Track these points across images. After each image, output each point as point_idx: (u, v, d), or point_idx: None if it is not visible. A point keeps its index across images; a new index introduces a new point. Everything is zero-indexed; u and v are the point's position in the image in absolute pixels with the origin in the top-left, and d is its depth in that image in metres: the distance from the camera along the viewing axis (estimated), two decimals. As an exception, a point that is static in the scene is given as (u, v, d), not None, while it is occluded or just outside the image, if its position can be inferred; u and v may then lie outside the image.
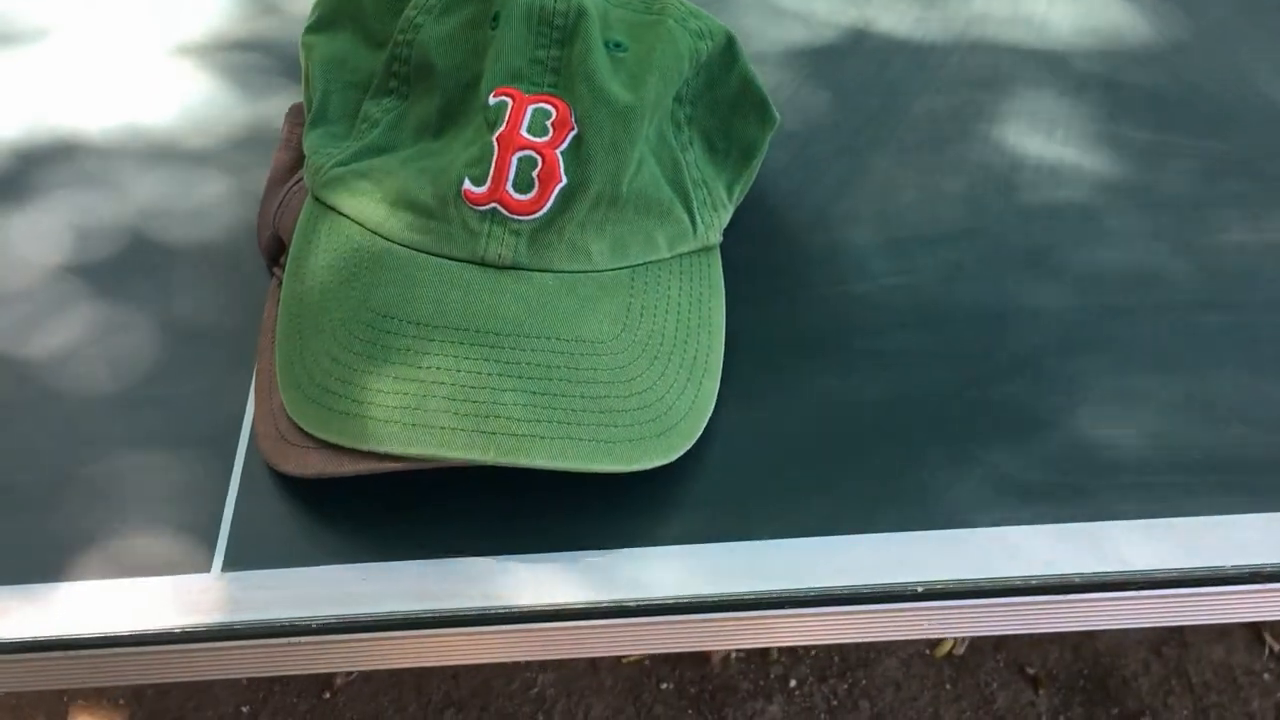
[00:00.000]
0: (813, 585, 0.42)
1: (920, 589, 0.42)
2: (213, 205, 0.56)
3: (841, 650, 1.23)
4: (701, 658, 1.22)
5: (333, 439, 0.42)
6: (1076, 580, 0.42)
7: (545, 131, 0.45)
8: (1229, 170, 0.57)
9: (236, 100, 0.63)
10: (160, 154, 0.60)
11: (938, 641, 1.24)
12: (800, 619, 0.42)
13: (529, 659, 0.43)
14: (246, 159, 0.59)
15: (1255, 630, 1.25)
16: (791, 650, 1.23)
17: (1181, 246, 0.53)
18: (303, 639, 0.41)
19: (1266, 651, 1.23)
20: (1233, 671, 1.21)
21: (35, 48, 0.66)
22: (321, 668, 0.43)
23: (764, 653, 1.23)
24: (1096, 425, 0.46)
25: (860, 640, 0.44)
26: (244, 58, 0.66)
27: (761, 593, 0.41)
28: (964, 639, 1.24)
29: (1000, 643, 1.23)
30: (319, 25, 0.53)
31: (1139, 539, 0.43)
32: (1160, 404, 0.47)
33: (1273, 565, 0.42)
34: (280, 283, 0.49)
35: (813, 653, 1.23)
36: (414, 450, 0.40)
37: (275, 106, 0.62)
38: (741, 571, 0.42)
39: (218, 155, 0.59)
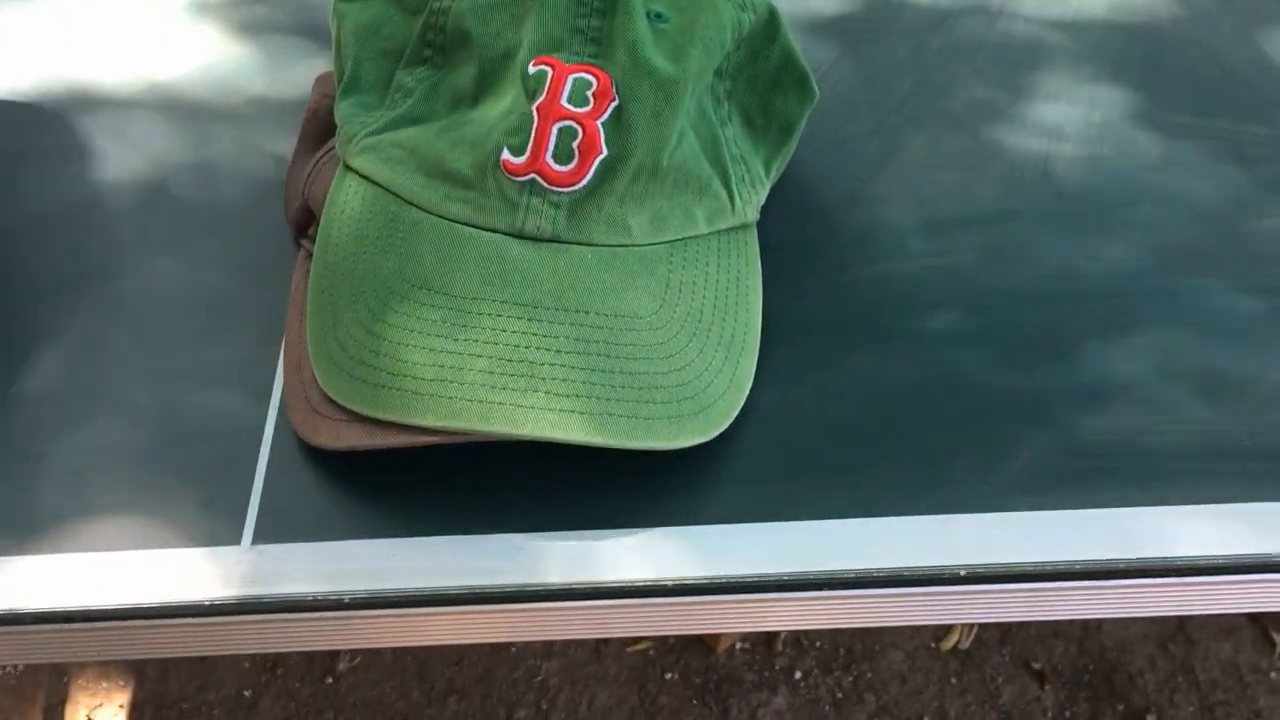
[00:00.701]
0: (851, 567, 0.41)
1: (963, 572, 0.41)
2: (240, 174, 0.55)
3: (847, 642, 1.22)
4: (706, 648, 1.22)
5: (368, 412, 0.41)
6: (1121, 566, 0.41)
7: (586, 102, 0.45)
8: (1269, 155, 0.56)
9: (263, 65, 0.62)
10: (186, 119, 0.58)
11: (943, 634, 1.23)
12: (837, 601, 0.41)
13: (562, 638, 0.42)
14: (274, 125, 0.58)
15: (1262, 628, 1.24)
16: (796, 641, 1.23)
17: (1222, 230, 0.53)
18: (330, 614, 0.40)
19: (1276, 651, 1.22)
20: (1239, 669, 1.21)
21: (51, 3, 0.65)
22: (348, 642, 0.42)
23: (769, 644, 1.22)
24: (1137, 411, 0.45)
25: (899, 624, 0.43)
26: (271, 19, 0.65)
27: (798, 574, 0.41)
28: (971, 631, 1.23)
29: (1006, 636, 1.23)
30: None
31: (1180, 525, 0.42)
32: (1201, 388, 0.46)
33: (1324, 553, 0.41)
34: (309, 254, 0.48)
35: (818, 644, 1.23)
36: (451, 424, 0.39)
37: (303, 73, 0.61)
38: (779, 552, 0.41)
39: (244, 121, 0.58)
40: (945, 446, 0.44)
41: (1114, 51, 0.63)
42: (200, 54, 0.63)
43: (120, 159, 0.56)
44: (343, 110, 0.49)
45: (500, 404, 0.40)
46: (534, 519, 0.42)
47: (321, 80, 0.54)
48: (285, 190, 0.51)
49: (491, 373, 0.41)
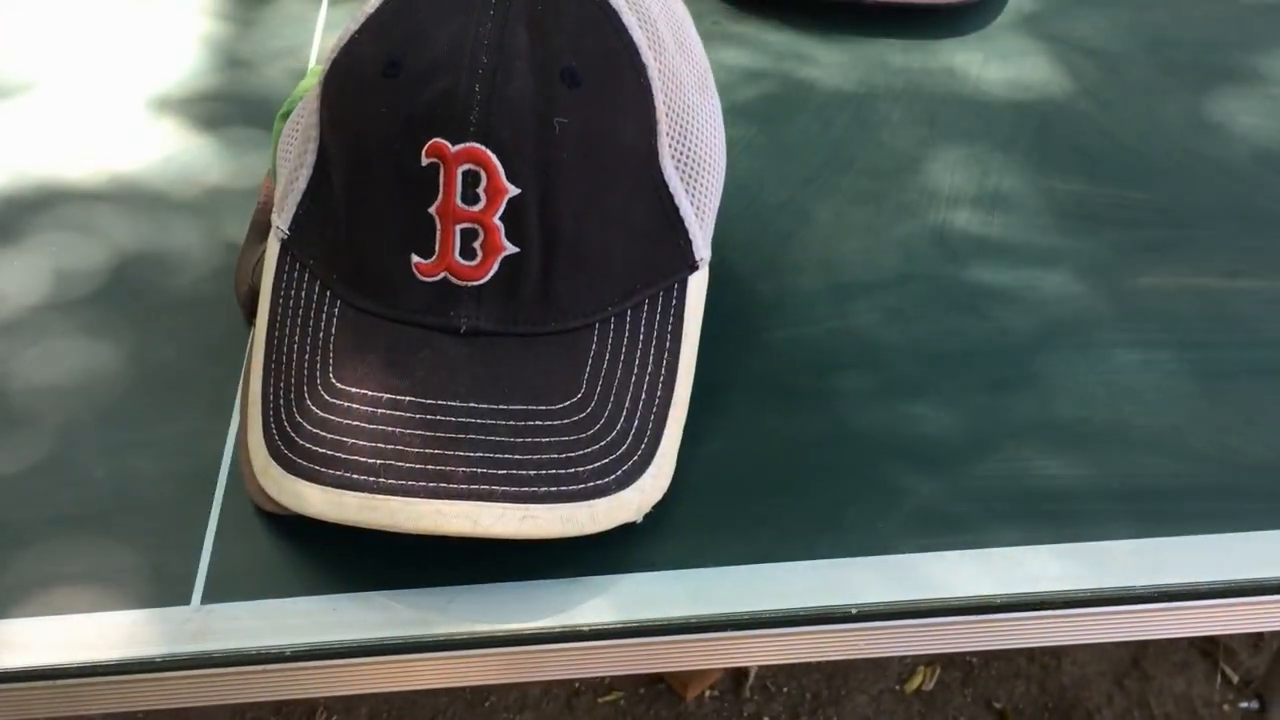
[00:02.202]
0: (752, 609, 0.45)
1: (855, 610, 0.45)
2: (195, 259, 0.60)
3: (814, 687, 1.25)
4: (676, 696, 1.24)
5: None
6: (997, 601, 0.45)
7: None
8: (1148, 219, 0.61)
9: (216, 153, 0.66)
10: (140, 204, 0.63)
11: (907, 677, 1.26)
12: (740, 641, 0.45)
13: (485, 683, 0.45)
14: (226, 210, 0.62)
15: (1214, 661, 1.27)
16: (764, 688, 1.25)
17: (1103, 290, 0.57)
18: (275, 666, 0.44)
19: (1219, 679, 1.25)
20: (1192, 702, 1.24)
21: (17, 100, 0.70)
22: (294, 693, 0.45)
23: (737, 691, 1.25)
24: (1017, 457, 0.49)
25: (799, 660, 0.46)
26: (228, 114, 0.69)
27: (704, 616, 0.44)
28: (933, 674, 1.26)
29: (968, 678, 1.25)
30: (284, 114, 0.56)
31: (1055, 561, 0.46)
32: (1076, 436, 0.50)
33: (1174, 586, 0.45)
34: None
35: (785, 690, 1.25)
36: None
37: (255, 161, 0.65)
38: (687, 598, 0.45)
39: (198, 206, 0.63)
40: (843, 497, 0.48)
41: (1007, 124, 0.68)
42: (157, 142, 0.67)
43: (81, 246, 0.60)
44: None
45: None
46: (463, 572, 0.45)
47: (271, 174, 0.58)
48: (236, 274, 0.55)
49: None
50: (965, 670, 1.27)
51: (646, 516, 0.46)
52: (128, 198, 0.63)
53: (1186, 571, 0.45)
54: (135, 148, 0.67)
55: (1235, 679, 1.26)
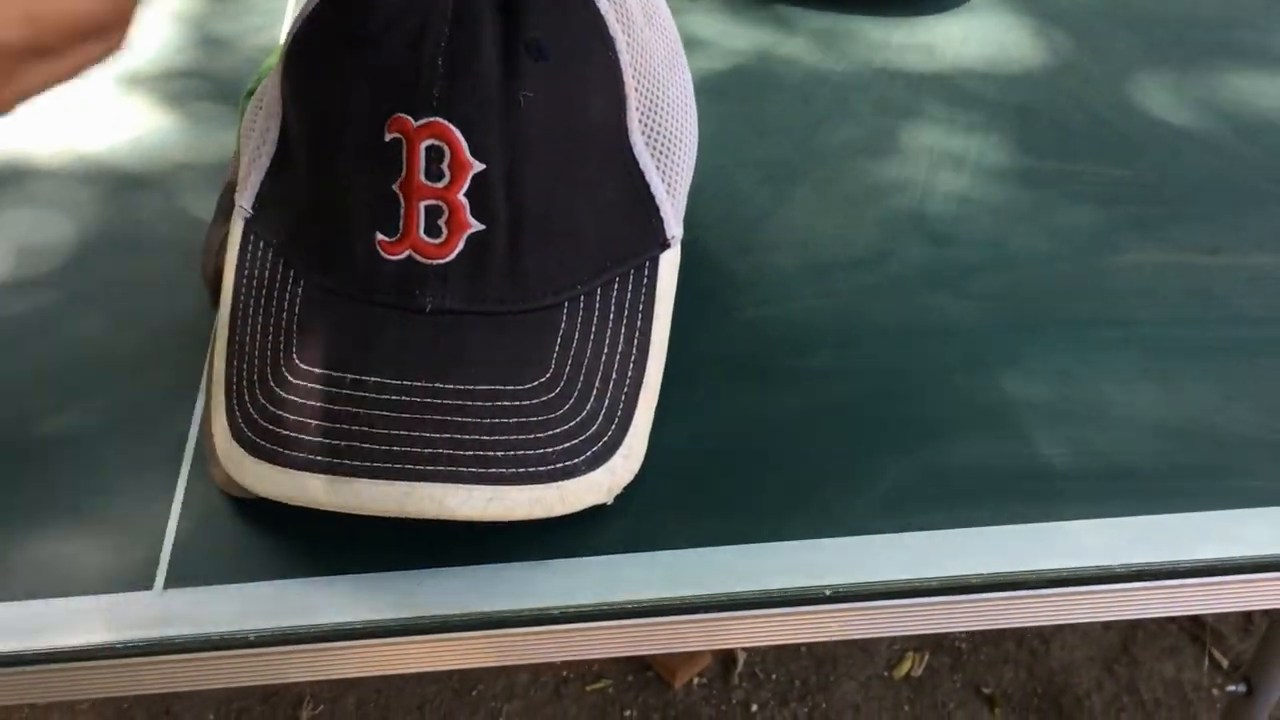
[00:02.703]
0: (723, 590, 0.44)
1: (828, 592, 0.44)
2: (163, 237, 0.59)
3: (802, 674, 1.25)
4: (664, 684, 1.24)
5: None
6: (974, 581, 0.44)
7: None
8: (1129, 195, 0.60)
9: (186, 130, 0.65)
10: (108, 182, 0.62)
11: (896, 663, 1.26)
12: (714, 622, 0.44)
13: (454, 667, 0.45)
14: (194, 187, 0.61)
15: (1203, 646, 1.27)
16: (752, 675, 1.25)
17: (1083, 268, 0.56)
18: (240, 651, 0.43)
19: (1207, 663, 1.25)
20: (1182, 687, 1.24)
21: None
22: (261, 679, 0.45)
23: (725, 678, 1.24)
24: (996, 436, 0.49)
25: (774, 642, 0.46)
26: (194, 88, 0.69)
27: (677, 598, 0.44)
28: (922, 660, 1.26)
29: (957, 663, 1.25)
30: (250, 92, 0.55)
31: (1034, 541, 0.45)
32: (1060, 416, 0.50)
33: (1152, 565, 0.44)
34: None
35: (774, 676, 1.25)
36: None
37: (224, 139, 0.65)
38: (659, 581, 0.44)
39: (166, 184, 0.62)
40: (816, 477, 0.47)
41: (988, 102, 0.67)
42: (129, 124, 0.66)
43: (43, 218, 0.59)
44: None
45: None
46: (432, 556, 0.45)
47: (237, 154, 0.57)
48: (203, 254, 0.55)
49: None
50: (954, 656, 1.26)
51: (618, 498, 0.45)
52: (94, 175, 0.63)
53: (1166, 550, 0.45)
54: (103, 125, 0.66)
55: (1224, 663, 1.25)
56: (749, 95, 0.68)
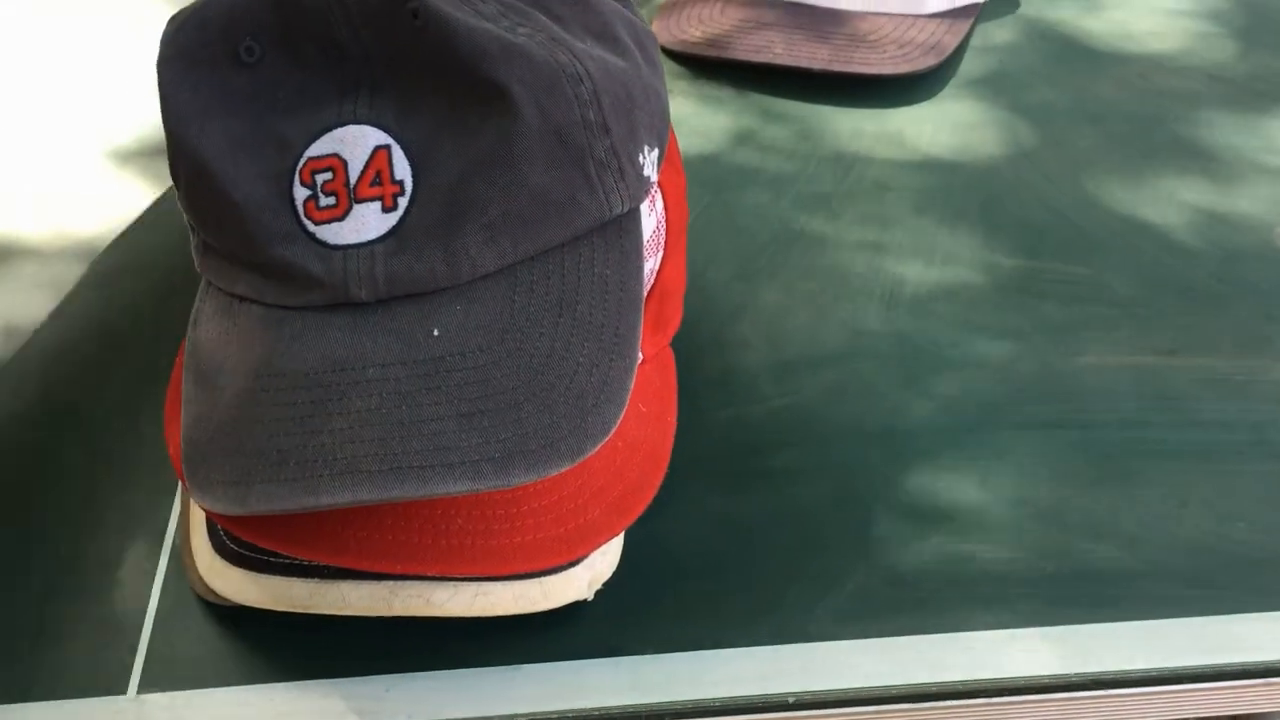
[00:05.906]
0: (690, 698, 0.45)
1: (791, 699, 0.45)
2: (137, 308, 0.60)
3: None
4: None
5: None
6: (932, 690, 0.45)
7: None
8: (1089, 294, 0.62)
9: (176, 212, 0.66)
10: (87, 254, 0.63)
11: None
12: (680, 730, 0.45)
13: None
14: (184, 269, 0.63)
15: None
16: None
17: (1044, 368, 0.58)
18: (212, 757, 0.44)
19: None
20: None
21: (-22, 175, 0.70)
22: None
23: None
24: (956, 540, 0.50)
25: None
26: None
27: (641, 705, 0.45)
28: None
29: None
30: None
31: (998, 647, 0.46)
32: (1020, 520, 0.51)
33: (1108, 673, 0.46)
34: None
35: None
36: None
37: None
38: (626, 685, 0.45)
39: (154, 270, 0.63)
40: (780, 578, 0.49)
41: (955, 197, 0.69)
42: (117, 207, 0.67)
43: (36, 307, 0.60)
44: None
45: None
46: (401, 661, 0.46)
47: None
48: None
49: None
50: None
51: (597, 594, 0.46)
52: (72, 247, 0.63)
53: (1116, 659, 0.46)
54: (91, 207, 0.67)
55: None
56: (723, 185, 0.70)
